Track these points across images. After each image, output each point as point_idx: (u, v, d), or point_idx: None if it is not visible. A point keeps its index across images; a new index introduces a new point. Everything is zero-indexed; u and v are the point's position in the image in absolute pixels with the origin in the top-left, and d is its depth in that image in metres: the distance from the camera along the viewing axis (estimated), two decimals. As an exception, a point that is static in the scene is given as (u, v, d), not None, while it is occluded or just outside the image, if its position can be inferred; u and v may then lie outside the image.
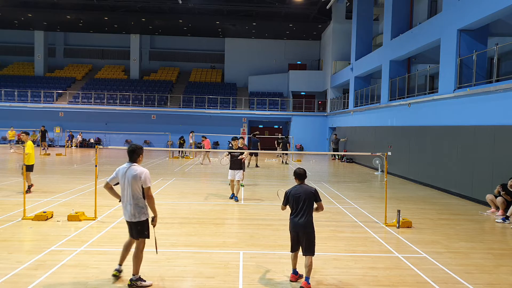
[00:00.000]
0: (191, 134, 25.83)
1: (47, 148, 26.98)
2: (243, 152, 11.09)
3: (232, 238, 7.47)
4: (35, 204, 9.73)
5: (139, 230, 5.14)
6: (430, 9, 20.40)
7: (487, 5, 11.91)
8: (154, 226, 5.19)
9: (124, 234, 7.39)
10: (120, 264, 5.38)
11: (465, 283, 5.54)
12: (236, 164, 11.04)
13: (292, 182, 5.73)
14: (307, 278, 5.17)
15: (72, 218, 8.27)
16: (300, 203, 5.31)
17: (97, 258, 6.13)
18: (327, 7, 29.29)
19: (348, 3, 29.90)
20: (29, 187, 11.26)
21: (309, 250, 5.25)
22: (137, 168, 5.12)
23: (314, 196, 5.35)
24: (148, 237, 5.21)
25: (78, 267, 5.74)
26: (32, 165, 11.40)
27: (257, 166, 20.65)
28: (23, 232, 7.50)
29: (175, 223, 8.37)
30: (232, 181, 11.20)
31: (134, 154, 5.21)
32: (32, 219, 8.19)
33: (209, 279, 5.45)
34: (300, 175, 5.52)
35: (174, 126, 32.34)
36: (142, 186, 5.08)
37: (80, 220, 8.26)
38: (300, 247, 5.35)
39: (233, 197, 11.16)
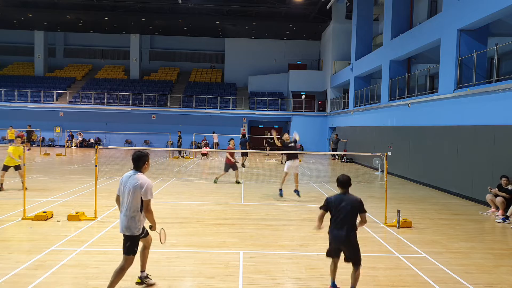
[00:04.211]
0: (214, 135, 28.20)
1: (30, 148, 26.99)
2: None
3: (232, 238, 7.47)
4: (35, 204, 9.74)
5: (128, 246, 4.65)
6: (430, 9, 20.40)
7: (487, 5, 11.91)
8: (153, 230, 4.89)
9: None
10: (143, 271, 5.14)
11: (465, 283, 5.54)
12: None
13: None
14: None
15: (72, 218, 8.27)
16: (342, 213, 4.76)
17: (97, 258, 6.13)
18: (327, 7, 29.28)
19: (348, 3, 29.89)
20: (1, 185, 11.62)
21: (356, 262, 4.82)
22: (141, 177, 4.65)
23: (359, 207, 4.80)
24: (135, 254, 4.74)
25: (78, 267, 5.74)
26: (9, 166, 11.83)
27: (243, 165, 20.10)
28: (23, 232, 7.50)
29: (175, 223, 8.37)
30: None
31: (140, 162, 4.74)
32: (32, 219, 8.20)
33: (209, 279, 5.45)
34: (343, 182, 4.90)
35: (174, 126, 32.34)
36: (141, 198, 4.62)
37: (80, 220, 8.26)
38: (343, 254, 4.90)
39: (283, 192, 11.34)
